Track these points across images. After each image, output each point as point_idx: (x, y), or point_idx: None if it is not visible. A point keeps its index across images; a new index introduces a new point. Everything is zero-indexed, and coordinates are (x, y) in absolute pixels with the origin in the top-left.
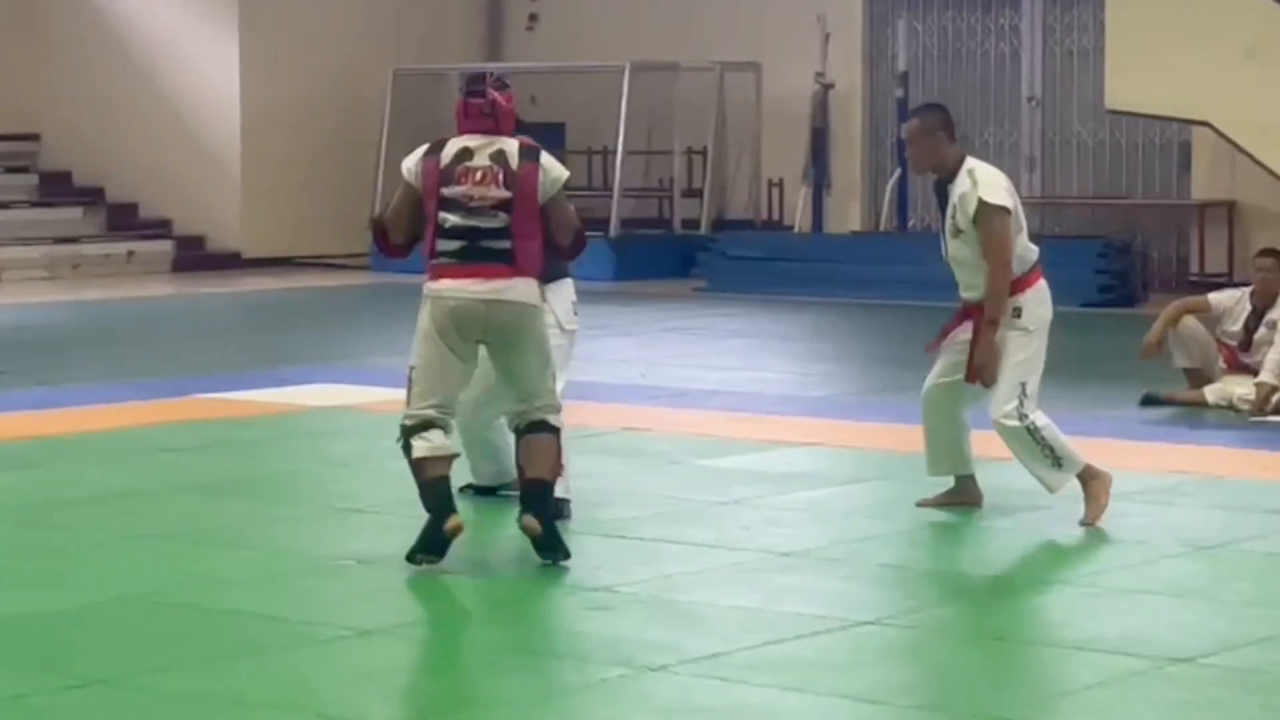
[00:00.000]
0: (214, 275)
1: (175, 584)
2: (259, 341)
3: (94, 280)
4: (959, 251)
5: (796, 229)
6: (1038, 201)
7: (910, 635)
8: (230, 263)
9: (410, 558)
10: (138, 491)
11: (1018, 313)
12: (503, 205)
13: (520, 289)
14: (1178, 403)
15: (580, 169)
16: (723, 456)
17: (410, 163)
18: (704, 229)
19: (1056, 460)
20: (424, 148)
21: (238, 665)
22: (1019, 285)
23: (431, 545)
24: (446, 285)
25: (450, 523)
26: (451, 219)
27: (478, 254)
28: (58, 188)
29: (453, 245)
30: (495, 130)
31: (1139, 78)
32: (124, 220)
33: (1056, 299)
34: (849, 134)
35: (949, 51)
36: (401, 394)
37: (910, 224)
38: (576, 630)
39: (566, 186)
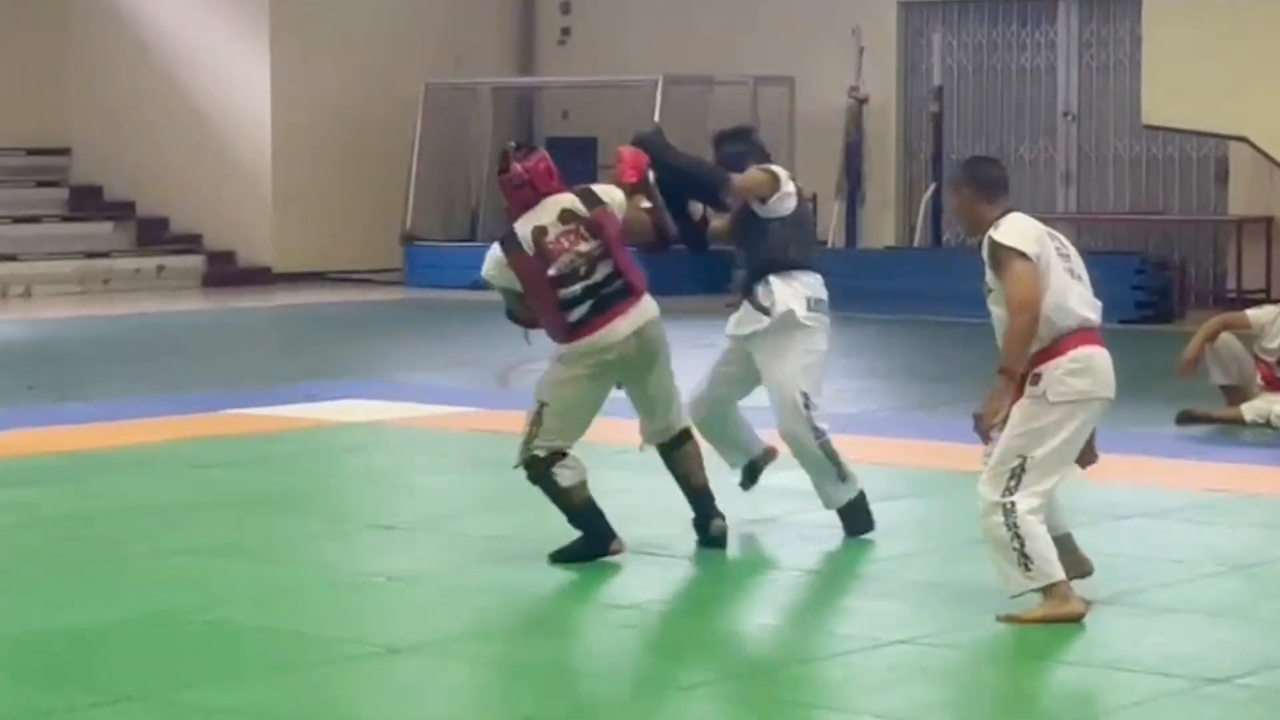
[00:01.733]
0: (245, 290)
1: (205, 600)
2: (290, 356)
3: (125, 295)
4: (997, 313)
5: (830, 244)
6: (1074, 217)
7: (944, 654)
8: (261, 277)
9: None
10: (168, 507)
11: (1035, 379)
12: (602, 254)
13: (647, 306)
14: (1215, 420)
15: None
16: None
17: (494, 270)
18: None
19: (1026, 558)
20: (497, 249)
21: (267, 681)
22: (1044, 353)
23: (575, 557)
24: (600, 336)
25: (614, 546)
26: (570, 290)
27: (607, 302)
28: (88, 202)
29: (584, 308)
30: (538, 194)
31: (1176, 92)
32: (154, 235)
33: None
34: (883, 148)
35: (984, 65)
36: (439, 411)
37: (945, 239)
38: (607, 648)
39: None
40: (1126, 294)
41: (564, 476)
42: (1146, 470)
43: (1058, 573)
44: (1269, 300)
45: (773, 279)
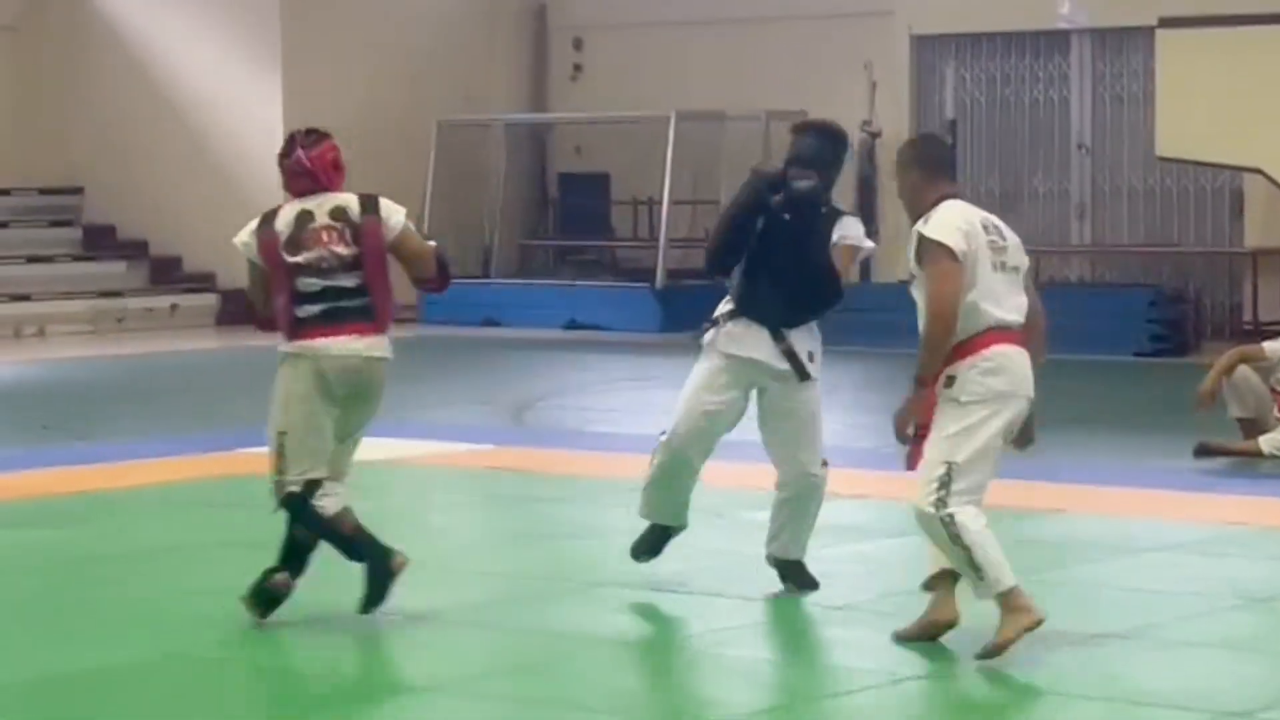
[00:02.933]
0: (259, 330)
1: (220, 640)
2: None
3: (138, 334)
4: (920, 300)
5: (844, 278)
6: (1088, 250)
7: (962, 689)
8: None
9: (366, 610)
10: (182, 547)
11: (949, 381)
12: (354, 262)
13: (385, 346)
14: (1232, 453)
15: (625, 219)
16: (752, 511)
17: (245, 237)
18: None
19: (976, 568)
20: (254, 222)
21: None
22: (958, 350)
23: (381, 592)
24: (324, 343)
25: (397, 559)
26: (309, 283)
27: (342, 314)
28: (101, 242)
29: (316, 308)
30: (319, 186)
31: (1189, 124)
32: (167, 274)
33: (1108, 348)
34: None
35: (997, 99)
36: (455, 448)
37: None
38: (625, 685)
39: (610, 234)
40: (1141, 327)
41: (327, 505)
42: (1164, 504)
43: (1008, 578)
44: None
45: None
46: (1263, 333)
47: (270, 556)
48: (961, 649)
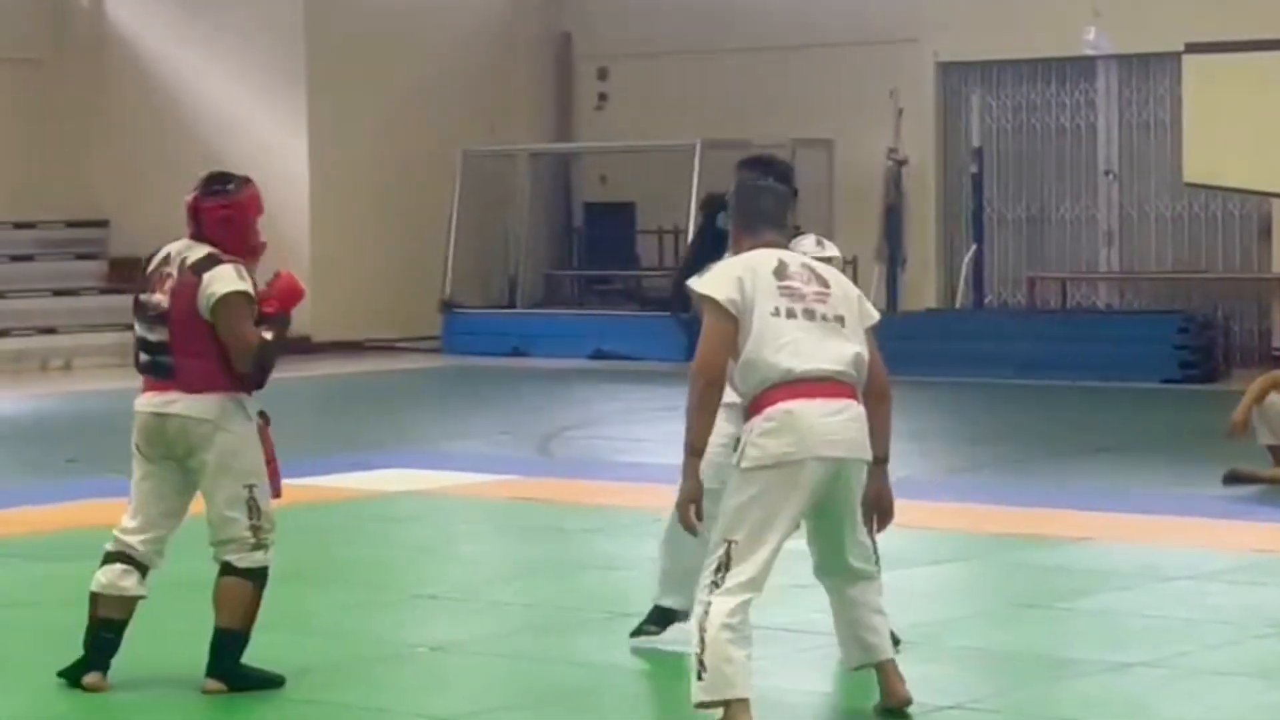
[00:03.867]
0: (284, 360)
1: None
2: (331, 426)
3: None
4: None
5: None
6: (1116, 276)
7: None
8: (300, 347)
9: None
10: (208, 581)
11: (735, 445)
12: (163, 319)
13: (185, 403)
14: (1262, 480)
15: (651, 248)
16: (797, 539)
17: None
18: None
19: (700, 666)
20: None
21: None
22: (748, 410)
23: (73, 679)
24: (139, 400)
25: (89, 679)
26: (139, 326)
27: (149, 367)
28: (127, 274)
29: (141, 357)
30: (198, 235)
31: (1216, 150)
32: None
33: (1137, 375)
34: (923, 210)
35: (1024, 125)
36: (479, 479)
37: (986, 300)
38: (651, 717)
39: (633, 264)
40: (1169, 353)
41: (96, 580)
42: (1193, 531)
43: (733, 689)
44: None
45: None
46: None
47: (291, 586)
48: (994, 680)
